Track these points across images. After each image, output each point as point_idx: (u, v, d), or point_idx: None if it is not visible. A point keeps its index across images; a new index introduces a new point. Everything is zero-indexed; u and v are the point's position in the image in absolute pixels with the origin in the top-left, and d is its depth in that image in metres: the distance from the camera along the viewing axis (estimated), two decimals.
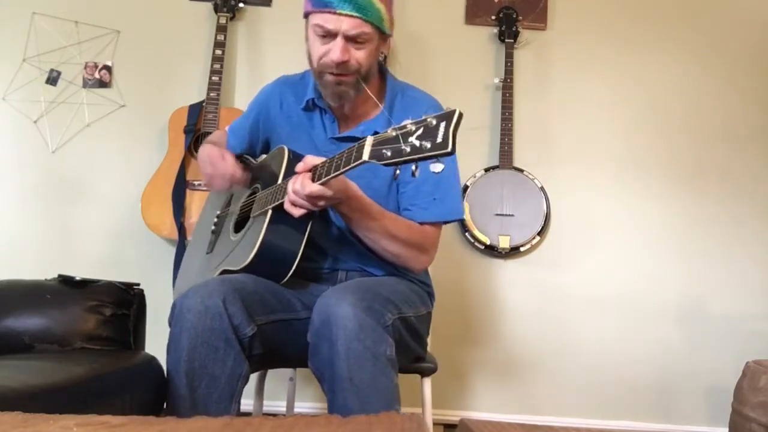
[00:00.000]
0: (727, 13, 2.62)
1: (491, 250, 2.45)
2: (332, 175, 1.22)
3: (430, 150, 1.01)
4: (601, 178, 2.56)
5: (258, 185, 1.59)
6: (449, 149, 1.00)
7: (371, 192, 1.44)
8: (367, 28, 1.38)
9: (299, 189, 1.27)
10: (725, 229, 2.55)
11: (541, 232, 2.48)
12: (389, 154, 1.06)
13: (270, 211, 1.40)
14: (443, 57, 2.56)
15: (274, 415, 1.37)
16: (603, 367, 2.50)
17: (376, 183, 1.50)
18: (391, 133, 1.07)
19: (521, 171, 2.49)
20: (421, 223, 1.49)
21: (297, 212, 1.31)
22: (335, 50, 1.38)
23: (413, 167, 1.05)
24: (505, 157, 2.47)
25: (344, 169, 1.19)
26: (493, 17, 2.57)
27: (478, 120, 2.53)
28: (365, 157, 1.11)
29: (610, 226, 2.55)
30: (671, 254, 2.54)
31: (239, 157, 1.71)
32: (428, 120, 1.03)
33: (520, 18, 2.56)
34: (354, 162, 1.15)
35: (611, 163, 2.56)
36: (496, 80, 2.53)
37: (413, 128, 1.04)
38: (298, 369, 1.99)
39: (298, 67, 2.49)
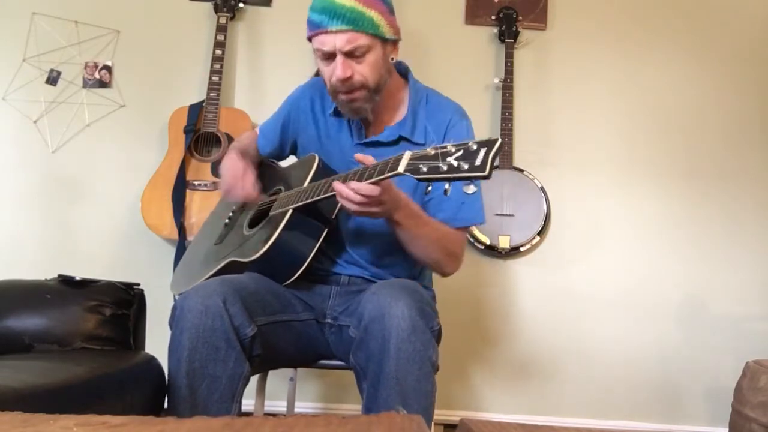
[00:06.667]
0: (726, 13, 2.62)
1: (491, 250, 2.45)
2: (367, 182, 1.23)
3: (467, 171, 1.04)
4: (601, 178, 2.56)
5: (281, 187, 1.60)
6: (486, 173, 1.03)
7: None
8: (362, 40, 1.38)
9: (356, 188, 1.23)
10: (725, 229, 2.54)
11: (541, 233, 2.48)
12: (425, 169, 1.09)
13: (290, 211, 1.41)
14: (443, 57, 2.56)
15: (275, 414, 1.37)
16: (603, 367, 2.50)
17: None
18: (430, 151, 1.10)
19: (521, 171, 2.49)
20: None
21: (355, 207, 1.26)
22: (337, 68, 1.39)
23: (446, 186, 1.09)
24: (505, 157, 2.47)
25: (378, 178, 1.20)
26: (493, 17, 2.57)
27: (479, 120, 2.53)
28: (401, 169, 1.13)
29: (610, 226, 2.55)
30: (671, 254, 2.54)
31: (262, 163, 1.73)
32: (469, 144, 1.06)
33: (520, 18, 2.56)
34: (389, 173, 1.17)
35: (611, 163, 2.56)
36: (496, 80, 2.53)
37: (453, 150, 1.07)
38: (298, 369, 1.99)
39: (297, 67, 2.52)
